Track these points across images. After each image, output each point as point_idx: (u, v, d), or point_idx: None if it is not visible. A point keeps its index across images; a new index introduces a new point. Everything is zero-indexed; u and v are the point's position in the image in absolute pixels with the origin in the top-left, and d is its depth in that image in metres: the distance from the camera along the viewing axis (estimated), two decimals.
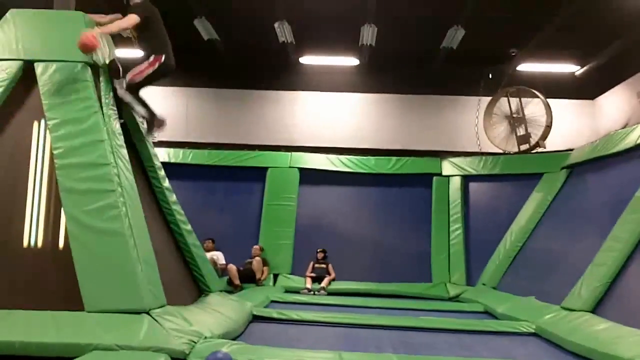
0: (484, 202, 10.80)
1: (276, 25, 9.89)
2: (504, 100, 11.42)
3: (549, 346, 5.59)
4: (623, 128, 8.83)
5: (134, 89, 5.51)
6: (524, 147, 10.99)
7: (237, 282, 9.26)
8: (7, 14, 5.37)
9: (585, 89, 12.01)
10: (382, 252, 10.52)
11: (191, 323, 4.60)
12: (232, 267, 9.39)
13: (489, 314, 7.83)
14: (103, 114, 5.06)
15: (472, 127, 11.86)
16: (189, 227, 6.27)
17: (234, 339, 5.02)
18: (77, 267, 4.48)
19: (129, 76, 5.40)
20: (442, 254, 10.38)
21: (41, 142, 5.05)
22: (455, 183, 10.94)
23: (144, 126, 5.89)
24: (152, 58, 5.39)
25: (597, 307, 5.87)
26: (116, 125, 5.23)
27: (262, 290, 8.92)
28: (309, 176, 11.13)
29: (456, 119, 12.20)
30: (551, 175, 9.88)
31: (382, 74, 12.13)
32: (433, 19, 9.78)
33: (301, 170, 11.14)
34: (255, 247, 10.16)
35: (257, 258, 9.93)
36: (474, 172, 10.90)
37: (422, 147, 11.89)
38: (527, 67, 11.61)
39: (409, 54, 11.32)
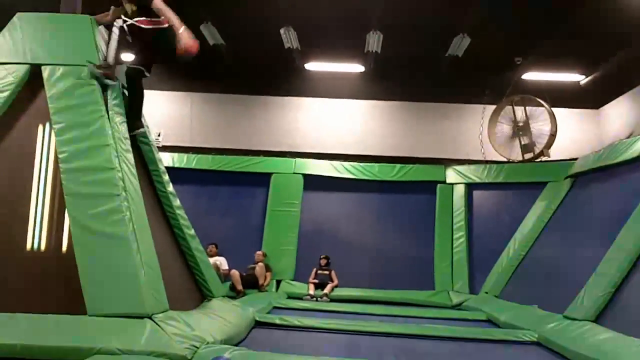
0: (488, 210, 10.77)
1: (282, 31, 9.93)
2: (508, 108, 11.44)
3: (551, 355, 5.56)
4: (628, 137, 8.80)
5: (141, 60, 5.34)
6: (528, 155, 11.00)
7: (239, 287, 9.27)
8: (14, 18, 5.39)
9: (590, 98, 12.01)
10: (385, 259, 10.50)
11: (193, 328, 4.58)
12: (235, 273, 9.40)
13: (491, 322, 7.79)
14: (109, 118, 5.08)
15: (476, 135, 11.85)
16: (192, 231, 6.26)
17: (236, 345, 5.03)
18: (80, 271, 4.47)
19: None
20: (445, 262, 10.36)
21: (46, 145, 5.05)
22: (459, 191, 10.92)
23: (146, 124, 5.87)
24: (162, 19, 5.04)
25: (600, 317, 5.84)
26: (122, 130, 5.23)
27: (264, 296, 8.90)
28: (313, 182, 11.14)
29: (460, 127, 12.21)
30: (555, 184, 9.85)
31: (387, 81, 12.13)
32: (439, 26, 9.79)
33: (305, 176, 11.16)
34: (258, 252, 10.17)
35: (260, 264, 9.92)
36: (477, 180, 10.90)
37: (427, 154, 11.92)
38: (532, 75, 11.59)
39: (415, 61, 11.32)
